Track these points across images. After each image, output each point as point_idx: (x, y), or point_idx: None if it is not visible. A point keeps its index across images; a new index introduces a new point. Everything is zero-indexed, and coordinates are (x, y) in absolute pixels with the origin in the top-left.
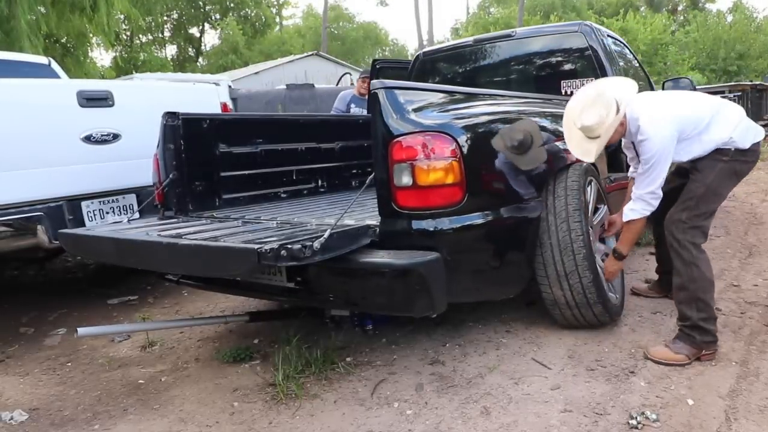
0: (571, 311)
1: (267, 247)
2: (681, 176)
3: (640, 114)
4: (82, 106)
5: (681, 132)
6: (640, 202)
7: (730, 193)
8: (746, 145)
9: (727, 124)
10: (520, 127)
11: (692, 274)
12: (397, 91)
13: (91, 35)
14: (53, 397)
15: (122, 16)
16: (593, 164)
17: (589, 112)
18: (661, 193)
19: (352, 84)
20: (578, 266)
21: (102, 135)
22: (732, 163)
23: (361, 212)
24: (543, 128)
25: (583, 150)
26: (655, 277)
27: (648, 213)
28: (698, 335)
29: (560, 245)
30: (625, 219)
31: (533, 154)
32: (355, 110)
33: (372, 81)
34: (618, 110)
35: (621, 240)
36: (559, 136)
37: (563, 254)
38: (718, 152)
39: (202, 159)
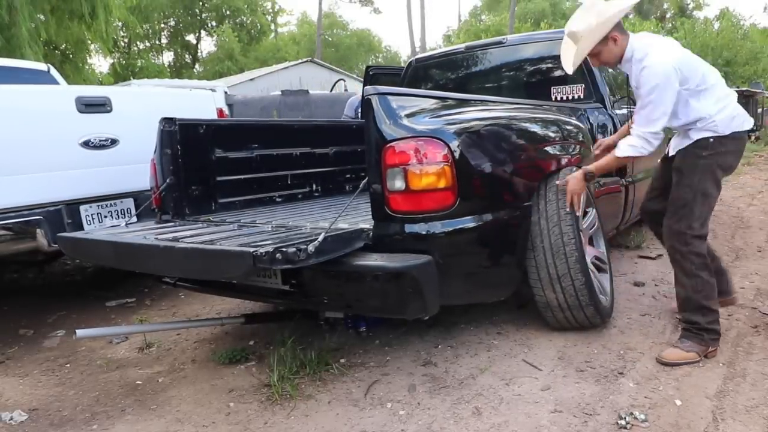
0: (563, 313)
1: (262, 250)
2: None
3: (647, 46)
4: (80, 111)
5: (683, 79)
6: (641, 140)
7: (718, 190)
8: (725, 131)
9: (720, 99)
10: None
11: (696, 285)
12: (389, 97)
13: (89, 42)
14: (52, 398)
15: (120, 24)
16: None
17: (579, 19)
18: (663, 135)
19: (346, 90)
20: (570, 269)
21: (100, 140)
22: (712, 157)
23: (354, 216)
24: (533, 134)
25: (565, 58)
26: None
27: (646, 153)
28: (706, 335)
29: (552, 248)
30: (621, 154)
31: None
32: None
33: (365, 87)
34: (608, 22)
35: (599, 164)
36: (549, 140)
37: (556, 257)
38: (696, 146)
39: (198, 164)
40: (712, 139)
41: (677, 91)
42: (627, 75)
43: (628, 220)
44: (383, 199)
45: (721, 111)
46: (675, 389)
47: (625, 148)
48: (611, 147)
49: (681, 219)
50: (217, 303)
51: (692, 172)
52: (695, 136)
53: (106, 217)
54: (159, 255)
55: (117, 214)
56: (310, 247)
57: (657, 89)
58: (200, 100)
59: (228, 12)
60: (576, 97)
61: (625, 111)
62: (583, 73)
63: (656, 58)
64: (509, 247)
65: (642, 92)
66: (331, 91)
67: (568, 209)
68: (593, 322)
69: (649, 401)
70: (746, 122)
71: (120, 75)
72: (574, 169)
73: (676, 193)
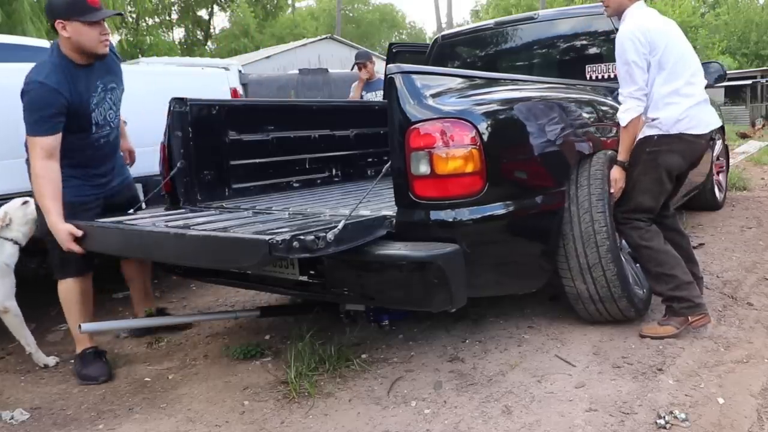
0: (594, 305)
1: (279, 238)
2: None
3: (635, 16)
4: None
5: (650, 45)
6: (632, 101)
7: (660, 186)
8: (671, 130)
9: (678, 93)
10: None
11: (645, 255)
12: (414, 76)
13: None
14: (56, 396)
15: None
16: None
17: None
18: (647, 89)
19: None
20: (602, 258)
21: None
22: (654, 154)
23: (377, 202)
24: (566, 115)
25: None
26: None
27: (641, 109)
28: (676, 304)
29: (583, 236)
30: (624, 122)
31: None
32: (367, 96)
33: (388, 66)
34: None
35: (621, 149)
36: (583, 122)
37: (586, 246)
38: (643, 142)
39: (211, 147)
40: (656, 137)
41: (644, 54)
42: None
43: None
44: (407, 185)
45: (669, 107)
46: (717, 386)
47: (625, 116)
48: None
49: (620, 204)
50: (230, 295)
51: (634, 165)
52: (645, 131)
53: None
54: (169, 243)
55: None
56: (330, 235)
57: (626, 51)
58: (213, 79)
59: None
60: (612, 75)
61: None
62: None
63: (627, 25)
64: (541, 236)
65: (617, 55)
66: (352, 69)
67: (615, 198)
68: (627, 315)
69: (690, 399)
70: (698, 126)
71: (128, 53)
72: (609, 152)
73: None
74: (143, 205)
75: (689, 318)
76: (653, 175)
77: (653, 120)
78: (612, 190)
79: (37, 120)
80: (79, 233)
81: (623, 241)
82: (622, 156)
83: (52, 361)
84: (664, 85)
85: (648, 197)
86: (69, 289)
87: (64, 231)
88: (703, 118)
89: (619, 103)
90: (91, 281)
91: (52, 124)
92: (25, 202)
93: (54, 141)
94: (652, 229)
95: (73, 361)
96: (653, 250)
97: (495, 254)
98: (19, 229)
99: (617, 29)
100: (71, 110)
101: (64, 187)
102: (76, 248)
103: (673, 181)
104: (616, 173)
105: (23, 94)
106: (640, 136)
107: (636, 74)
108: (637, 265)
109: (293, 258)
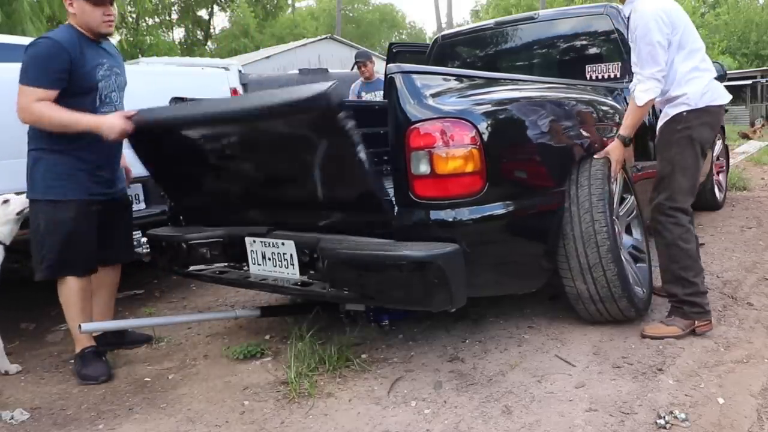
0: (595, 305)
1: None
2: None
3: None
4: None
5: (671, 25)
6: (652, 81)
7: (697, 162)
8: (698, 104)
9: (698, 68)
10: None
11: (673, 255)
12: (414, 76)
13: None
14: (55, 396)
15: None
16: None
17: None
18: (666, 70)
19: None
20: (602, 258)
21: None
22: (686, 130)
23: None
24: (566, 115)
25: None
26: None
27: (659, 90)
28: (687, 307)
29: (583, 237)
30: (641, 103)
31: None
32: (366, 97)
33: (388, 65)
34: None
35: (626, 123)
36: (583, 122)
37: (586, 246)
38: (672, 121)
39: None
40: (685, 113)
41: (667, 35)
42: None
43: None
44: (407, 184)
45: (692, 82)
46: (717, 386)
47: (644, 95)
48: None
49: (661, 191)
50: (230, 295)
51: (669, 146)
52: (671, 111)
53: None
54: (235, 101)
55: None
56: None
57: (651, 31)
58: (213, 79)
59: None
60: (612, 75)
61: None
62: (620, 50)
63: (647, 6)
64: (541, 236)
65: (638, 34)
66: (352, 69)
67: (614, 178)
68: (627, 315)
69: (690, 399)
70: (719, 97)
71: (128, 53)
72: None
73: (657, 168)
74: (144, 206)
75: (696, 322)
76: (690, 152)
77: (679, 97)
78: (614, 171)
79: (40, 71)
80: (132, 112)
81: (623, 240)
82: (625, 131)
83: (13, 368)
84: (683, 63)
85: (688, 177)
86: (69, 288)
87: (111, 117)
88: (721, 91)
89: (619, 103)
90: (91, 281)
91: (53, 79)
92: (5, 201)
93: (50, 96)
94: (692, 231)
95: (73, 361)
96: (684, 253)
97: (495, 254)
98: (0, 230)
99: (622, 14)
100: (75, 71)
101: (72, 182)
102: (129, 126)
103: (704, 157)
104: (615, 147)
105: (29, 47)
106: (666, 117)
107: (659, 55)
108: (638, 264)
109: (340, 117)
